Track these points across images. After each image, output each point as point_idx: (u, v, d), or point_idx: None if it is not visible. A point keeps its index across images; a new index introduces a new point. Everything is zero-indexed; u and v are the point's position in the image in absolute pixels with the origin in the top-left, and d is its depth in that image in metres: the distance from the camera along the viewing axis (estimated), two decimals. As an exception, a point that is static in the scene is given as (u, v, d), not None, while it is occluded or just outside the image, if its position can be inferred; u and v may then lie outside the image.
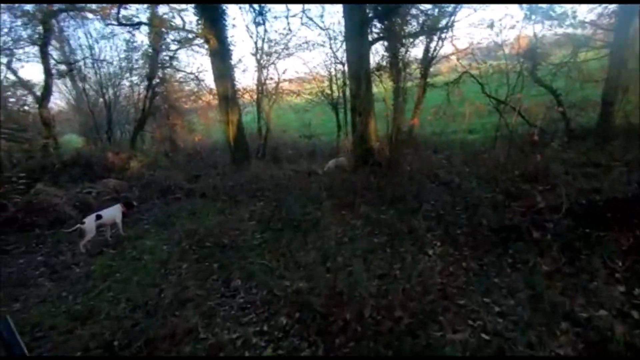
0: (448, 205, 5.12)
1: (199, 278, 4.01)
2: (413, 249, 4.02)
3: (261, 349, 2.72)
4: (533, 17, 8.72)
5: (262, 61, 12.55)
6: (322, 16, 15.38)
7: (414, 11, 9.75)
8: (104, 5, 9.74)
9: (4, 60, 13.21)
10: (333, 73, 12.78)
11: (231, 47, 10.79)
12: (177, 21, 11.39)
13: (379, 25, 9.09)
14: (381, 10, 8.04)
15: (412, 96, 11.13)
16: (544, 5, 8.46)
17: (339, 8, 9.98)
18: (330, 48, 12.61)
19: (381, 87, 10.25)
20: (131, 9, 10.20)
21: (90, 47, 14.08)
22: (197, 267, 4.29)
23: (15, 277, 4.53)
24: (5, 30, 11.34)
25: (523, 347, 2.41)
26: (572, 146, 7.34)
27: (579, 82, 10.03)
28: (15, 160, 8.84)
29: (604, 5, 9.54)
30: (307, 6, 11.20)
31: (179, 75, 14.10)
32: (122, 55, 14.29)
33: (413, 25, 10.25)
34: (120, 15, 9.51)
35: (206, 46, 10.48)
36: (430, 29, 9.74)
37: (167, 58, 12.73)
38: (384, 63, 10.52)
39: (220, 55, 10.04)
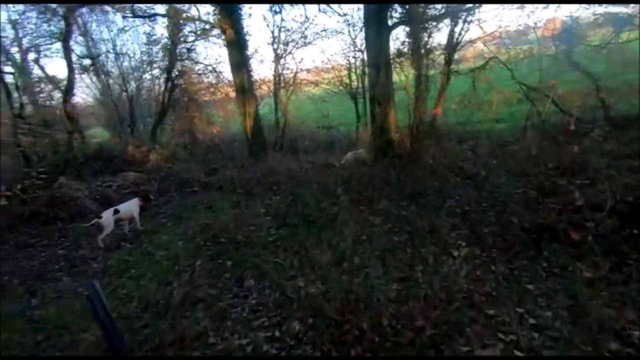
0: (474, 201, 4.78)
1: (212, 276, 3.91)
2: (436, 249, 3.74)
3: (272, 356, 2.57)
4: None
5: (279, 51, 12.31)
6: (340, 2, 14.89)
7: (437, -7, 9.19)
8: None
9: (32, 56, 13.73)
10: (352, 61, 12.41)
11: (247, 37, 10.64)
12: (193, 12, 11.29)
13: (399, 9, 8.61)
14: (402, -7, 7.60)
15: (435, 84, 10.59)
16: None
17: (358, -7, 9.58)
18: (349, 35, 12.23)
19: (402, 75, 9.81)
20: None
21: (112, 41, 14.31)
22: (210, 264, 4.19)
23: (36, 271, 4.60)
24: (31, 27, 11.72)
25: (563, 367, 2.13)
26: (613, 136, 6.72)
27: (620, 65, 9.21)
28: (41, 155, 9.09)
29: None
30: (324, -8, 10.80)
31: (198, 67, 14.13)
32: (143, 49, 14.51)
33: (436, 8, 9.68)
34: (135, 7, 9.49)
35: (223, 37, 10.35)
36: (456, 12, 9.16)
37: (185, 50, 12.74)
38: (405, 49, 10.02)
39: (237, 46, 9.88)
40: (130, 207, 5.72)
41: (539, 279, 3.04)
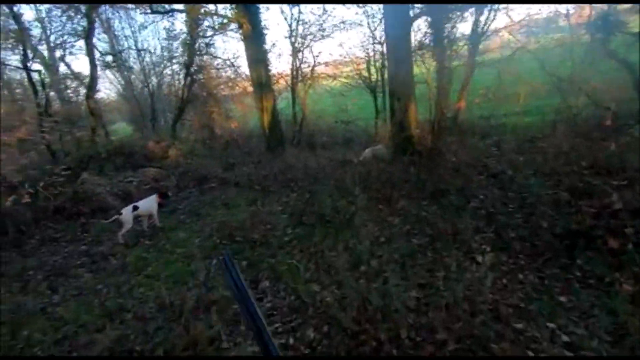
0: (499, 202, 4.52)
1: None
2: (458, 253, 3.55)
3: (285, 365, 2.50)
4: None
5: (296, 44, 12.14)
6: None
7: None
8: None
9: (58, 54, 14.17)
10: (371, 54, 12.10)
11: (265, 31, 10.52)
12: (211, 6, 11.27)
13: (421, -2, 8.30)
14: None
15: (458, 77, 10.17)
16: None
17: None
18: (368, 27, 11.91)
19: (423, 67, 9.46)
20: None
21: (134, 37, 14.57)
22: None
23: (58, 266, 4.72)
24: (57, 25, 12.06)
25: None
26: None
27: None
28: (66, 151, 9.36)
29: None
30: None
31: (216, 62, 14.18)
32: (164, 44, 14.70)
33: (460, -2, 9.25)
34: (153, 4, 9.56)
35: (240, 31, 10.28)
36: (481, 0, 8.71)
37: (203, 45, 12.78)
38: (427, 41, 9.67)
39: (254, 40, 9.80)
40: (149, 203, 5.77)
41: (572, 290, 2.82)
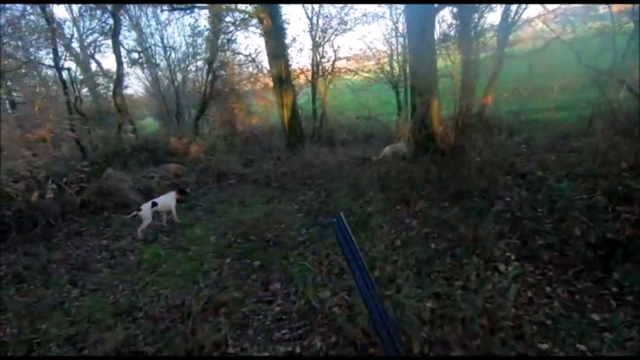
0: (527, 205, 4.20)
1: (239, 277, 3.86)
2: (479, 261, 3.33)
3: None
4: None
5: (317, 38, 11.98)
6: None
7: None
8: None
9: (89, 52, 14.72)
10: (393, 48, 11.75)
11: (285, 25, 10.44)
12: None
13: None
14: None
15: (485, 70, 9.65)
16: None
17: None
18: (391, 19, 11.55)
19: (448, 60, 9.04)
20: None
21: (160, 34, 14.92)
22: (238, 264, 4.14)
23: (81, 260, 4.86)
24: (86, 24, 12.52)
25: None
26: None
27: None
28: (93, 147, 9.71)
29: None
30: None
31: (238, 58, 14.26)
32: (188, 41, 14.96)
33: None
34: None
35: (261, 26, 10.25)
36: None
37: (225, 41, 12.87)
38: (452, 32, 9.22)
39: (274, 35, 9.74)
40: (168, 200, 5.85)
41: (606, 307, 2.56)
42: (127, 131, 11.58)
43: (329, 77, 12.65)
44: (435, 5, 6.70)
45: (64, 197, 6.51)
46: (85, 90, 15.67)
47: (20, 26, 9.47)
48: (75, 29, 13.67)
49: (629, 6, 8.07)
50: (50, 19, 9.78)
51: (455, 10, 8.46)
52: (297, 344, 2.68)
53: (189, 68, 16.17)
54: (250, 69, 14.73)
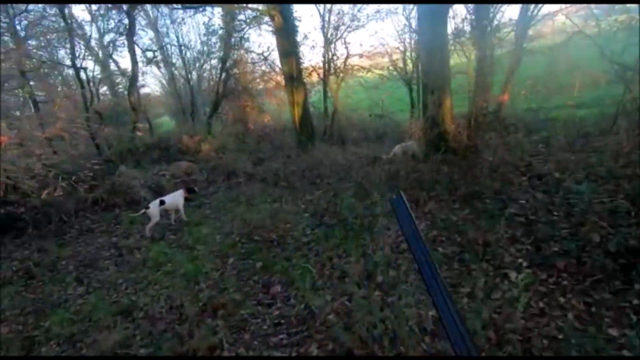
0: (542, 208, 3.98)
1: (240, 278, 3.81)
2: (488, 267, 3.17)
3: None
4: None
5: (329, 36, 11.83)
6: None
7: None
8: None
9: (106, 51, 15.05)
10: (407, 43, 11.49)
11: (297, 23, 10.35)
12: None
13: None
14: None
15: (502, 67, 9.29)
16: None
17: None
18: (403, 15, 11.30)
19: (462, 56, 8.76)
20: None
21: (175, 33, 15.12)
22: (241, 264, 4.10)
23: (89, 257, 4.94)
24: (102, 24, 12.78)
25: None
26: None
27: None
28: (108, 145, 9.90)
29: None
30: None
31: (250, 56, 14.29)
32: (203, 39, 15.10)
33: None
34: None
35: (272, 24, 10.20)
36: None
37: (238, 39, 12.91)
38: (466, 27, 8.93)
39: (285, 33, 9.66)
40: (175, 198, 5.88)
41: (626, 322, 2.36)
42: (141, 129, 11.79)
43: (341, 74, 12.49)
44: None
45: (76, 194, 6.64)
46: (104, 89, 16.11)
47: (40, 26, 9.76)
48: (95, 29, 14.04)
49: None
50: (68, 19, 10.01)
51: (470, 5, 8.18)
52: (293, 350, 2.60)
53: (203, 67, 16.35)
54: (263, 67, 14.78)
